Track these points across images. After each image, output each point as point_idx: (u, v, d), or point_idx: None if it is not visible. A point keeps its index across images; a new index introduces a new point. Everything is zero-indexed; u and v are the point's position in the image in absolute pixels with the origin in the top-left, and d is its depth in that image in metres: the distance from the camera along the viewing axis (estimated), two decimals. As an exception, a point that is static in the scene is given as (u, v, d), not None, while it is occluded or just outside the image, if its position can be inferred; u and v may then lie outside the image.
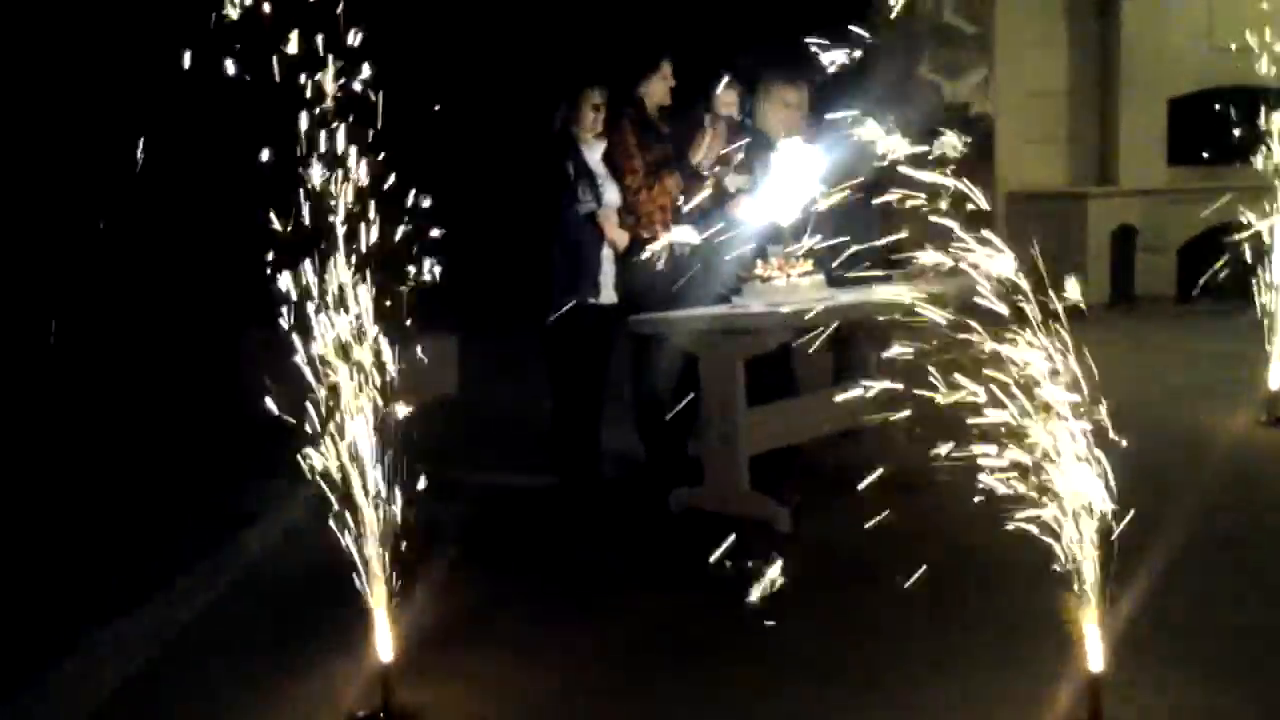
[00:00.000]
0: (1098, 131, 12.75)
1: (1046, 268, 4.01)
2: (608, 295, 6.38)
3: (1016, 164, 12.39)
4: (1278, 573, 5.00)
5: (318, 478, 4.11)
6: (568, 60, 7.21)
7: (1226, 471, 6.39)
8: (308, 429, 4.10)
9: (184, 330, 8.01)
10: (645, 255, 6.40)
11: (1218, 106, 10.64)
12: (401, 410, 4.13)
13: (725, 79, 6.80)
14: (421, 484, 4.19)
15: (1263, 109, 7.27)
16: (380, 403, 4.12)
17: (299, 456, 4.16)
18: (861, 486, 5.28)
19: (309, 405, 4.10)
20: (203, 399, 7.54)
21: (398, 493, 4.14)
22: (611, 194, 6.36)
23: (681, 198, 6.55)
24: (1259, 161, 7.29)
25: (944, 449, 4.09)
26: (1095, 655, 3.79)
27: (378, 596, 4.17)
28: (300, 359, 4.06)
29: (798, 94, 6.83)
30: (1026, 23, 12.67)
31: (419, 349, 4.22)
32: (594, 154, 6.36)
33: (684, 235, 6.57)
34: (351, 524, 4.12)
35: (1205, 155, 11.63)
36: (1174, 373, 8.89)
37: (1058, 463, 3.79)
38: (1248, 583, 4.90)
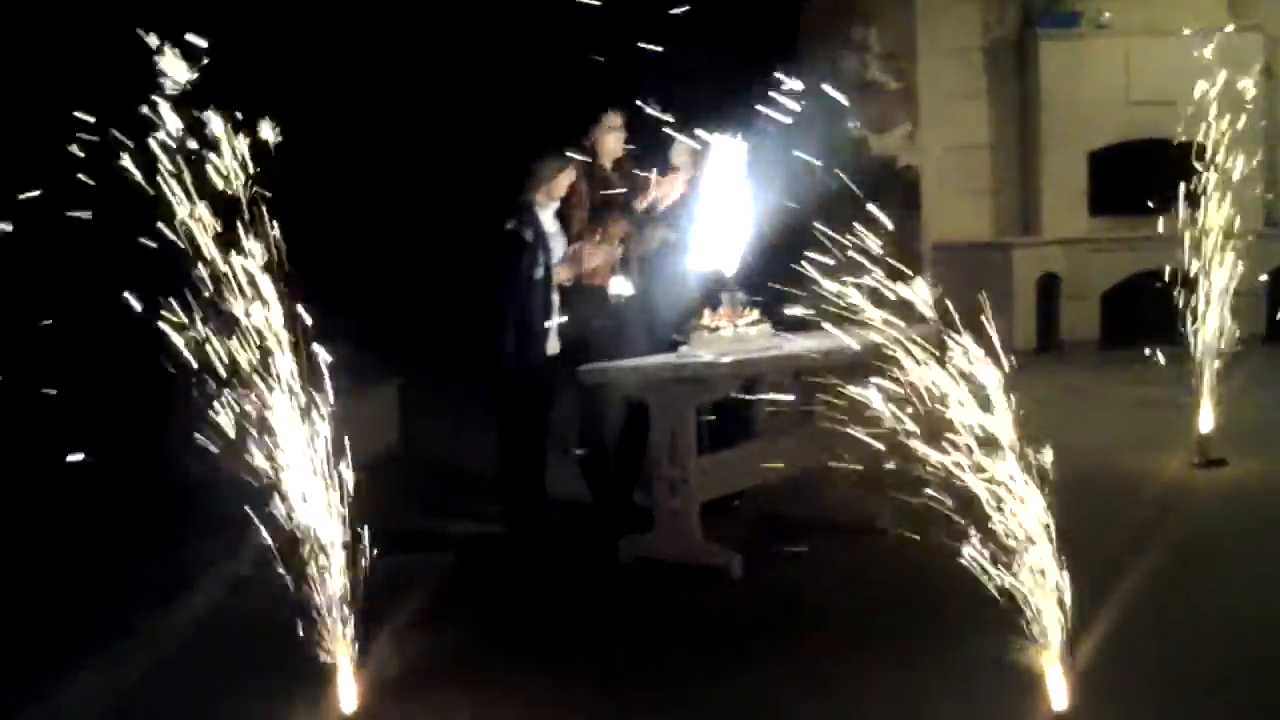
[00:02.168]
0: (1021, 183, 13.00)
1: (973, 316, 4.13)
2: (551, 345, 6.40)
3: (942, 215, 12.60)
4: (1226, 608, 5.08)
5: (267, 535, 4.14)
6: (532, 125, 7.27)
7: (1167, 513, 6.48)
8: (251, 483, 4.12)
9: (112, 386, 7.87)
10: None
11: (1136, 158, 11.01)
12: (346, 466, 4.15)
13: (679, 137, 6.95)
14: (373, 536, 4.21)
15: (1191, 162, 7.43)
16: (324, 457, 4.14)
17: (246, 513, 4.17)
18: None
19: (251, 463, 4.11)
20: (134, 456, 7.43)
21: (352, 546, 4.15)
22: (561, 253, 6.43)
23: (621, 247, 6.63)
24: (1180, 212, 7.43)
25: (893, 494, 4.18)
26: (1058, 695, 3.85)
27: (339, 648, 4.14)
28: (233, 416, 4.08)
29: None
30: (949, 77, 12.91)
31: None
32: (547, 215, 6.39)
33: (619, 286, 6.65)
34: (312, 577, 4.11)
35: (1125, 206, 11.93)
36: (1105, 418, 9.05)
37: (1008, 505, 3.88)
38: (1199, 619, 4.98)
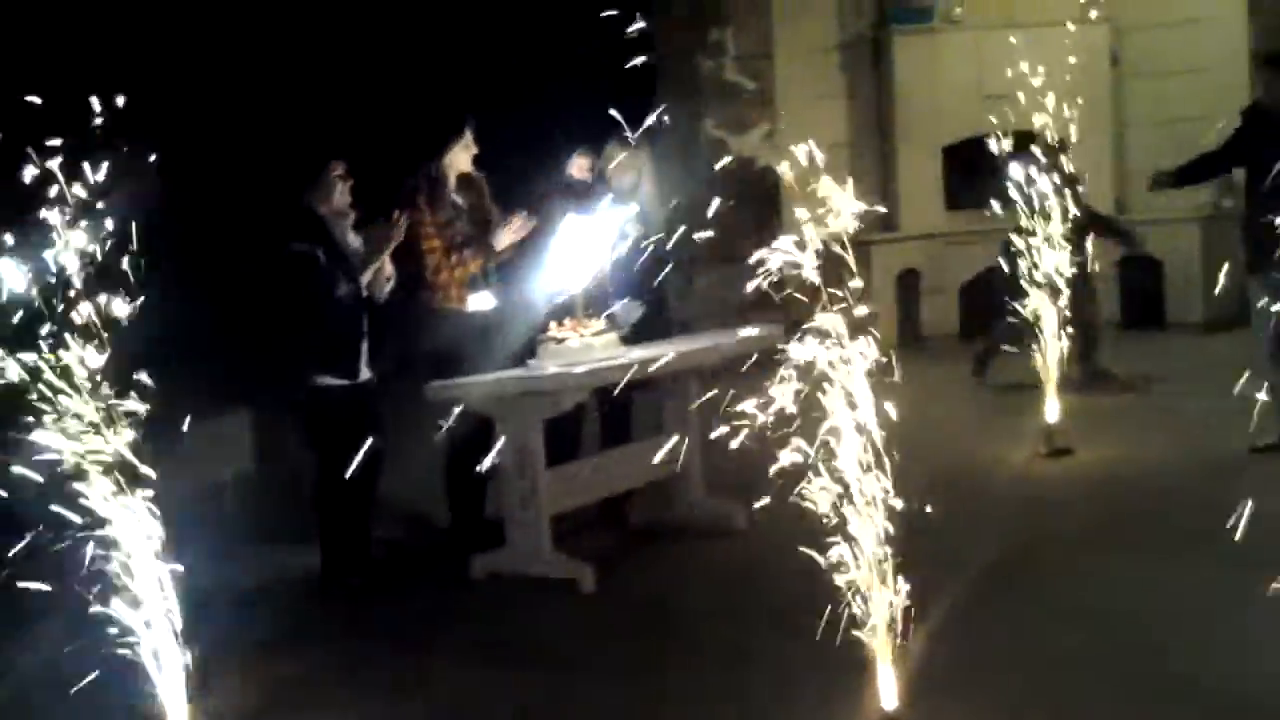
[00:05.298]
0: (879, 180, 13.15)
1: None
2: (365, 373, 6.25)
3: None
4: (1065, 601, 5.18)
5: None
6: (314, 134, 7.13)
7: (1011, 504, 6.65)
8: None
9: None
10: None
11: (989, 152, 11.16)
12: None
13: (579, 148, 6.95)
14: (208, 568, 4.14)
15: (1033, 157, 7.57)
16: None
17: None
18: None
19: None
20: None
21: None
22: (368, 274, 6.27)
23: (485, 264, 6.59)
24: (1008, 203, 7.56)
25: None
26: (888, 694, 3.89)
27: (170, 690, 4.07)
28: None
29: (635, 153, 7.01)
30: (805, 78, 13.02)
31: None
32: (343, 230, 6.21)
33: (482, 301, 6.60)
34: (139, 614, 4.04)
35: (979, 200, 12.12)
36: (959, 410, 9.20)
37: (852, 505, 3.93)
38: (1038, 612, 5.07)
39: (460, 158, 6.63)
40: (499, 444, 5.96)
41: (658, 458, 6.31)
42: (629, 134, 6.94)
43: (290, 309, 6.06)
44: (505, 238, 6.61)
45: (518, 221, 6.60)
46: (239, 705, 4.60)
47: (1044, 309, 7.47)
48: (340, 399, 6.07)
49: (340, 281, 6.04)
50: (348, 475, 5.74)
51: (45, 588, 4.19)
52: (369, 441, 5.83)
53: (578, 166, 7.13)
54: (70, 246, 4.06)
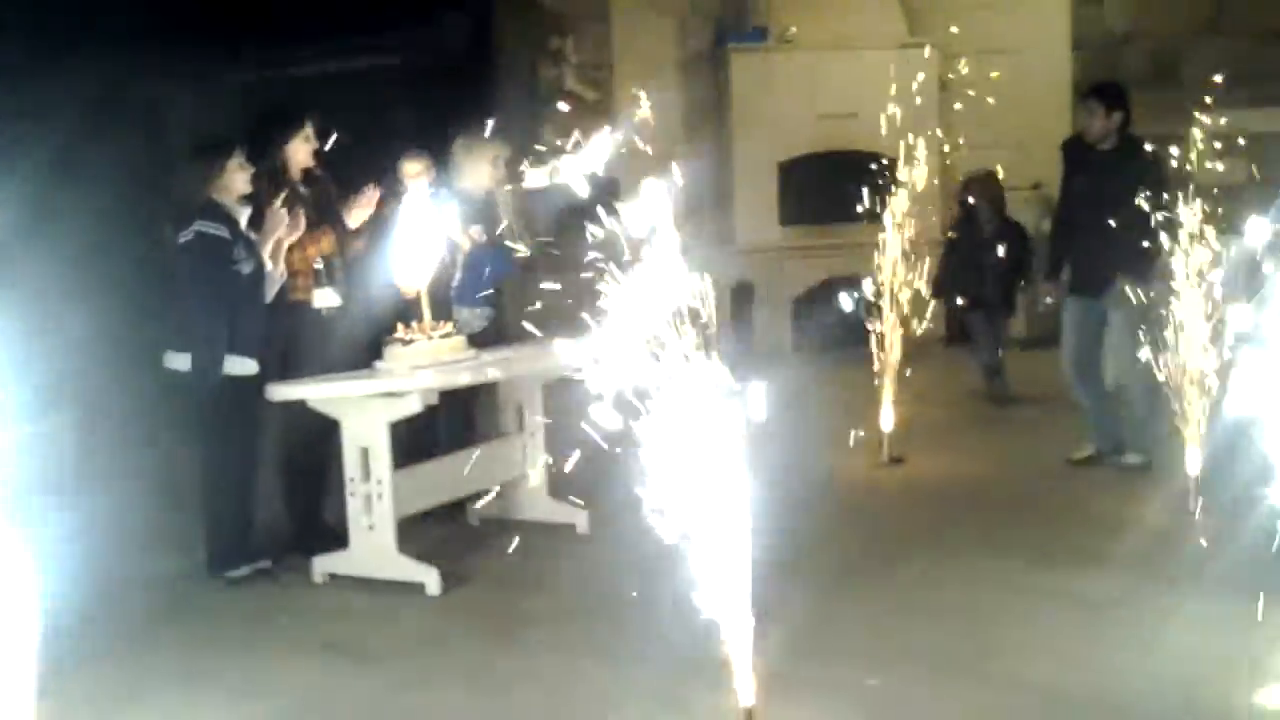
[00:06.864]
0: (716, 194, 13.31)
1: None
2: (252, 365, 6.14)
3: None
4: (912, 600, 5.35)
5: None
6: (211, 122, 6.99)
7: (854, 508, 6.82)
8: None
9: None
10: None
11: (822, 170, 11.43)
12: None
13: (410, 150, 6.89)
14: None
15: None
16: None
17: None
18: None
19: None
20: None
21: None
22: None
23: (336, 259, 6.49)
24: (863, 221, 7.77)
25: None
26: (746, 691, 3.94)
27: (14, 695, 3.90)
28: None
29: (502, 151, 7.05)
30: (645, 90, 13.10)
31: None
32: (243, 216, 6.13)
33: (326, 299, 6.46)
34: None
35: (812, 214, 12.38)
36: (797, 420, 9.35)
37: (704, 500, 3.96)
38: (884, 612, 5.22)
39: (301, 150, 6.51)
40: (344, 445, 5.90)
41: (503, 460, 6.33)
42: (482, 130, 6.97)
43: (198, 292, 5.92)
44: (357, 213, 6.57)
45: (366, 193, 6.57)
46: (74, 708, 4.44)
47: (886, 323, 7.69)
48: (241, 387, 5.97)
49: (239, 260, 5.95)
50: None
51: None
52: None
53: (406, 171, 7.07)
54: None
